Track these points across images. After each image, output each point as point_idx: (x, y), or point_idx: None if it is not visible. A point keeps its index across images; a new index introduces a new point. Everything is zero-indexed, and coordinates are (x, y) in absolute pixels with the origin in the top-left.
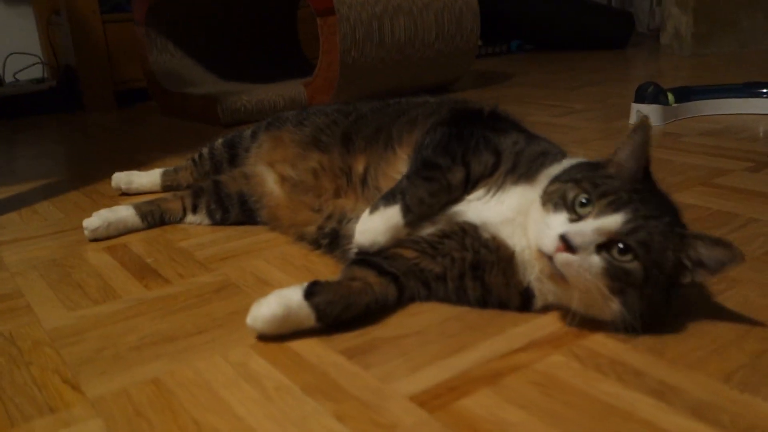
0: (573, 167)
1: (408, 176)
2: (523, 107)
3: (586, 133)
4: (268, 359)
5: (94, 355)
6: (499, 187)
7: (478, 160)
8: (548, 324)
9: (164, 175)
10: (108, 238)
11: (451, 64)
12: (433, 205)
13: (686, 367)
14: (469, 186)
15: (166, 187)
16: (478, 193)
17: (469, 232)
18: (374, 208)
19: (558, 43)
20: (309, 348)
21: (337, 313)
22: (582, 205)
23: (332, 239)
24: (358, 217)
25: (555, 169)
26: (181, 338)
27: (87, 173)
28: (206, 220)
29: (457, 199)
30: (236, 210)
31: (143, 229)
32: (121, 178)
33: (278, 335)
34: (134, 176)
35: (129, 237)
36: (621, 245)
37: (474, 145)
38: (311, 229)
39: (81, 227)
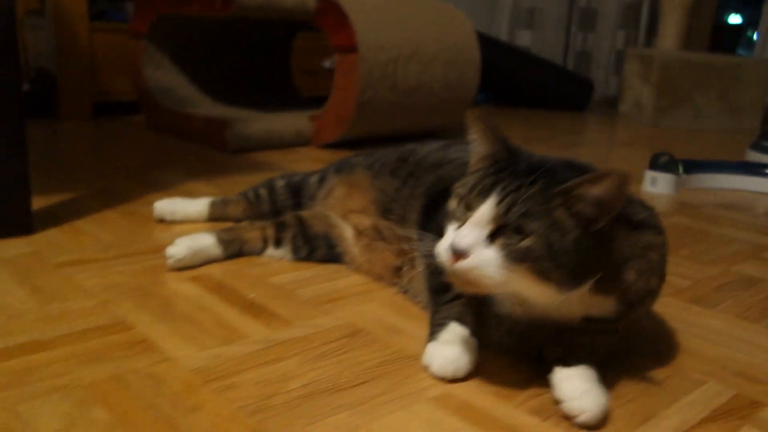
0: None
1: (438, 309)
2: None
3: None
4: (461, 416)
5: (263, 403)
6: None
7: None
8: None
9: (212, 206)
10: (191, 267)
11: (450, 112)
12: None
13: None
14: None
15: (212, 219)
16: None
17: None
18: (433, 337)
19: (521, 99)
20: (496, 406)
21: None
22: (465, 209)
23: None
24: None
25: None
26: (347, 389)
27: (107, 187)
28: (289, 255)
29: None
30: (323, 250)
31: (222, 260)
32: (165, 208)
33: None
34: (179, 205)
35: (208, 267)
36: (509, 228)
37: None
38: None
39: (144, 251)
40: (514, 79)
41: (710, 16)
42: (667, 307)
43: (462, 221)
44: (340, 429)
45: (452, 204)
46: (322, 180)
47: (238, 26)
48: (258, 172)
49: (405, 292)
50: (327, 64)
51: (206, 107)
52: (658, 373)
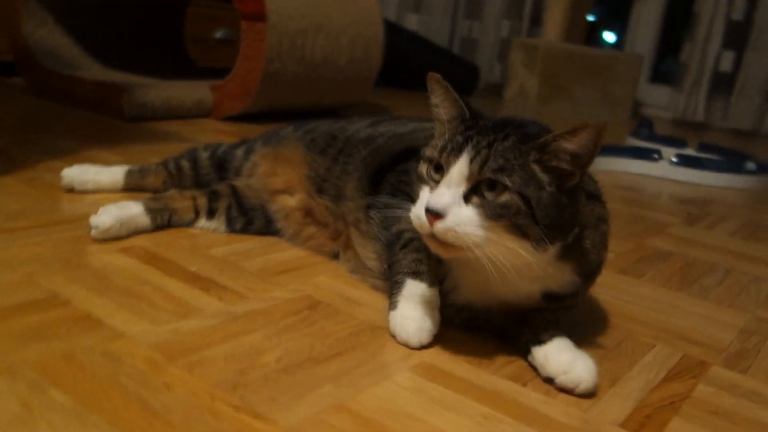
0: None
1: (394, 261)
2: None
3: None
4: (443, 384)
5: (241, 378)
6: None
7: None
8: None
9: (129, 175)
10: (116, 238)
11: (354, 89)
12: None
13: None
14: None
15: (127, 190)
16: None
17: None
18: (393, 305)
19: (408, 82)
20: (473, 373)
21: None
22: (437, 171)
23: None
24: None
25: None
26: (323, 362)
27: None
28: (223, 227)
29: None
30: (260, 222)
31: (150, 231)
32: (75, 177)
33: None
34: (90, 174)
35: (136, 239)
36: (485, 184)
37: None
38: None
39: (60, 221)
40: (402, 61)
41: (588, 12)
42: (600, 277)
43: (435, 182)
44: (326, 401)
45: (422, 168)
46: (248, 152)
47: None
48: (161, 142)
49: (351, 272)
50: (219, 34)
51: (96, 72)
52: (612, 340)
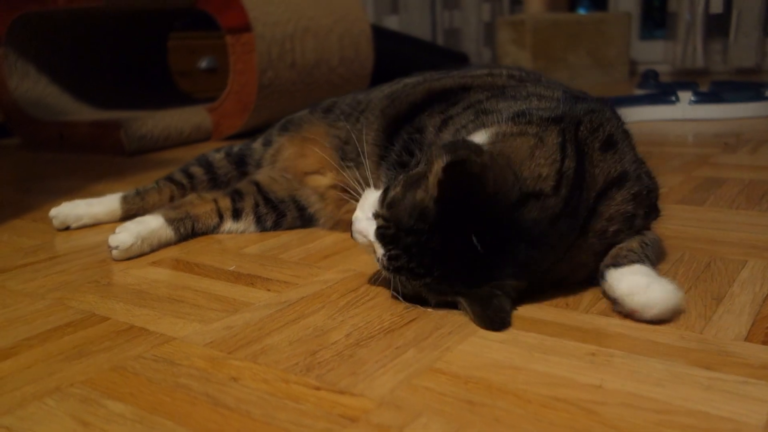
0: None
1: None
2: None
3: None
4: (536, 331)
5: (312, 359)
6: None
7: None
8: None
9: (125, 201)
10: (141, 255)
11: (349, 88)
12: None
13: None
14: None
15: (128, 217)
16: None
17: None
18: None
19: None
20: (564, 316)
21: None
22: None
23: None
24: None
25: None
26: (397, 329)
27: (4, 201)
28: (252, 227)
29: None
30: (293, 213)
31: (175, 243)
32: (67, 213)
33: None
34: (82, 207)
35: (163, 252)
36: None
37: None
38: None
39: (80, 249)
40: (389, 61)
41: None
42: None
43: None
44: (414, 366)
45: None
46: (267, 143)
47: (108, 26)
48: (167, 168)
49: None
50: (203, 64)
51: (89, 114)
52: (699, 263)
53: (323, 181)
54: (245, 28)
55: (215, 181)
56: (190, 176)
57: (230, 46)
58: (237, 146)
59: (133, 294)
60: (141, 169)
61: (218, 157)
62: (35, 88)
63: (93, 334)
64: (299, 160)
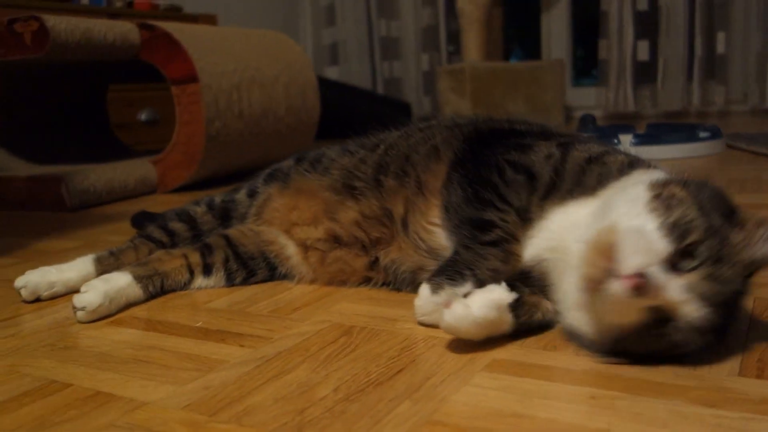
0: (712, 192)
1: (465, 245)
2: None
3: None
4: (531, 376)
5: (301, 418)
6: (541, 212)
7: (516, 194)
8: None
9: (98, 263)
10: (107, 317)
11: (297, 138)
12: (508, 271)
13: None
14: (525, 218)
15: None
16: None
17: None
18: (437, 287)
19: (344, 130)
20: (556, 359)
21: (525, 328)
22: (687, 253)
23: (395, 285)
24: (410, 267)
25: (642, 175)
26: (386, 381)
27: None
28: (222, 282)
29: None
30: (263, 272)
31: (144, 301)
32: (38, 283)
33: (474, 340)
34: (53, 274)
35: (123, 311)
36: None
37: (501, 178)
38: (372, 278)
39: (30, 310)
40: (333, 111)
41: (500, 27)
42: None
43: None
44: (411, 420)
45: (697, 234)
46: (252, 194)
47: (45, 78)
48: (114, 222)
49: (383, 284)
50: (143, 116)
51: (28, 170)
52: None
53: (314, 233)
54: (191, 78)
55: (198, 238)
56: (170, 233)
57: (176, 97)
58: (218, 197)
59: (95, 357)
60: (85, 224)
61: (200, 211)
62: None
63: (55, 403)
64: (290, 212)
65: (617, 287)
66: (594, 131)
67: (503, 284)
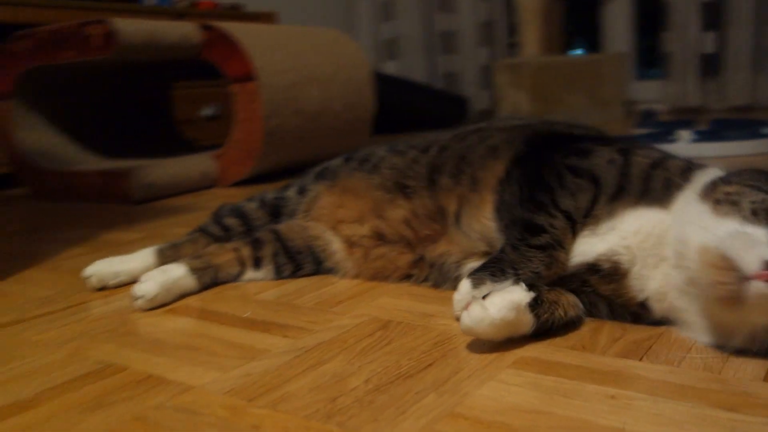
0: (756, 171)
1: (513, 245)
2: None
3: None
4: (554, 374)
5: (332, 406)
6: (609, 214)
7: (573, 198)
8: None
9: (160, 255)
10: (163, 305)
11: (353, 134)
12: (550, 275)
13: None
14: (576, 226)
15: None
16: (585, 230)
17: (580, 272)
18: (479, 281)
19: (400, 125)
20: (582, 358)
21: (548, 326)
22: None
23: (437, 281)
24: (458, 259)
25: (701, 178)
26: (415, 374)
27: (16, 252)
28: (271, 275)
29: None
30: (310, 266)
31: (197, 292)
32: (105, 272)
33: (493, 341)
34: (118, 264)
35: (179, 300)
36: None
37: (560, 183)
38: (413, 274)
39: (95, 298)
40: (391, 106)
41: (561, 20)
42: None
43: None
44: (434, 411)
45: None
46: (302, 191)
47: (113, 77)
48: (177, 215)
49: (424, 280)
50: (206, 112)
51: (96, 164)
52: None
53: (360, 230)
54: (249, 77)
55: (251, 232)
56: (225, 228)
57: (235, 95)
58: (270, 194)
59: (150, 343)
60: (149, 216)
61: (252, 207)
62: (42, 139)
63: (112, 385)
64: (337, 209)
65: (759, 286)
66: (654, 126)
67: (522, 284)
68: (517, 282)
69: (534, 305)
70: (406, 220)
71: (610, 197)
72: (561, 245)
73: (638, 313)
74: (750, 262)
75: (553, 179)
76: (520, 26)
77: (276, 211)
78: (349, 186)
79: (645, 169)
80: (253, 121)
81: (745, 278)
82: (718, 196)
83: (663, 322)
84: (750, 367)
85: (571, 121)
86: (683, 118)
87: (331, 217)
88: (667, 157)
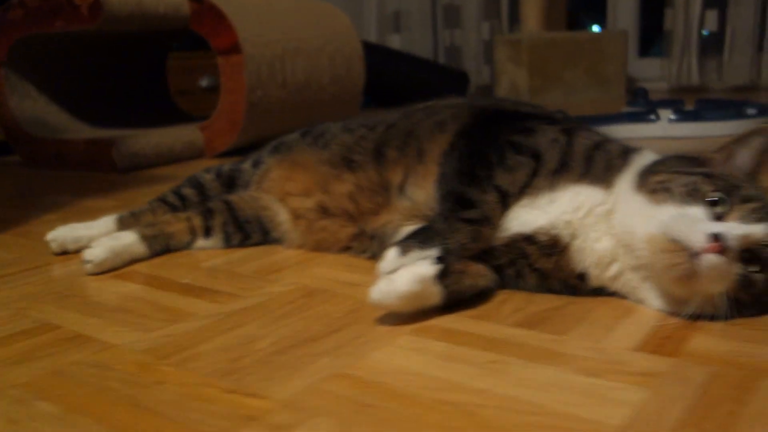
0: (676, 158)
1: (444, 216)
2: None
3: None
4: (447, 340)
5: (233, 365)
6: (550, 188)
7: (510, 174)
8: None
9: (120, 223)
10: (112, 270)
11: (341, 106)
12: (475, 248)
13: None
14: (508, 202)
15: None
16: (523, 201)
17: (516, 241)
18: (406, 248)
19: (400, 98)
20: (479, 326)
21: (457, 296)
22: (713, 203)
23: (377, 252)
24: (398, 225)
25: (638, 161)
26: (320, 338)
27: None
28: (220, 244)
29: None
30: (257, 236)
31: (148, 258)
32: (65, 237)
33: (404, 312)
34: (79, 230)
35: (131, 266)
36: (748, 254)
37: (500, 159)
38: (352, 247)
39: (54, 262)
40: (391, 79)
41: None
42: None
43: (711, 213)
44: (324, 372)
45: (704, 187)
46: (256, 164)
47: (108, 47)
48: (156, 184)
49: (363, 252)
50: (203, 82)
51: (87, 133)
52: None
53: (306, 203)
54: (235, 49)
55: (205, 203)
56: (182, 198)
57: (221, 67)
58: (227, 166)
59: (90, 305)
60: (131, 185)
61: (208, 178)
62: (35, 107)
63: (42, 341)
64: (287, 182)
65: (710, 258)
66: (644, 104)
67: (430, 259)
68: (444, 253)
69: (442, 277)
70: (350, 194)
71: (551, 171)
72: (489, 221)
73: (575, 285)
74: (696, 239)
75: (494, 155)
76: (520, 1)
77: (231, 182)
78: (300, 160)
79: (587, 149)
80: (238, 92)
81: (695, 254)
82: (652, 186)
83: (599, 292)
84: (632, 337)
85: (518, 100)
86: (677, 98)
87: (280, 189)
88: (607, 139)
